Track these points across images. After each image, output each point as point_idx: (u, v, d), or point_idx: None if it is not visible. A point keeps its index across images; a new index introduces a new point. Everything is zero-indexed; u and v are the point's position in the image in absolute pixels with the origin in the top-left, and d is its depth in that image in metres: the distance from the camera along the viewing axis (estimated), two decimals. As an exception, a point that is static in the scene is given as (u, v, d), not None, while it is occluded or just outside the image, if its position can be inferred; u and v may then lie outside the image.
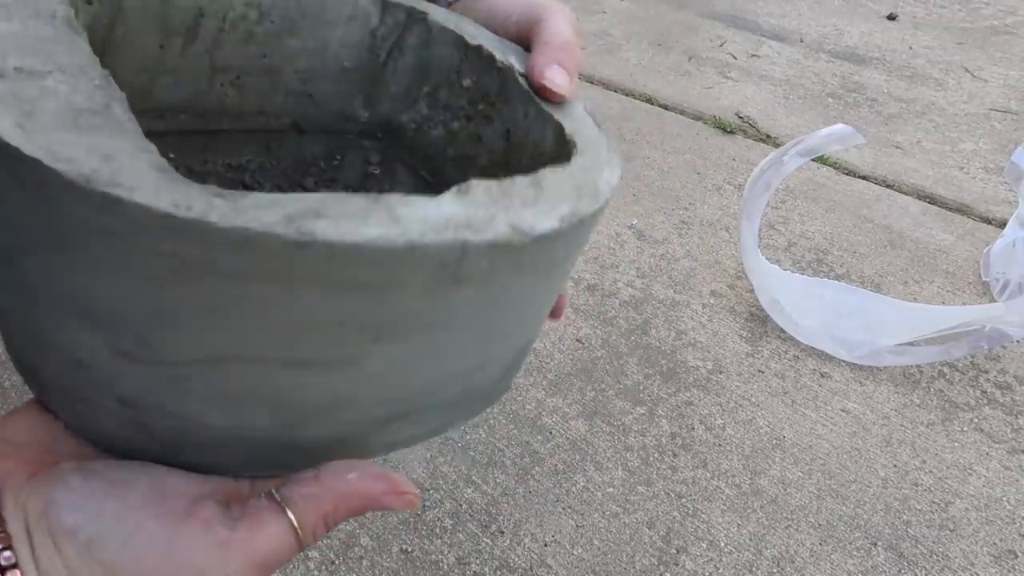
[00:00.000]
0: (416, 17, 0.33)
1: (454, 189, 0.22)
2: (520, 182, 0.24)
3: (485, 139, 0.35)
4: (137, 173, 0.18)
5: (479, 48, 0.32)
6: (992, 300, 0.90)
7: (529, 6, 0.33)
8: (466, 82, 0.34)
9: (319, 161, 0.37)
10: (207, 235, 0.18)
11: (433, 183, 0.36)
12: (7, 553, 0.19)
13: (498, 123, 0.34)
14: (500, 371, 0.29)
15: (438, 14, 0.34)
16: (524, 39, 0.33)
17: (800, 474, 0.67)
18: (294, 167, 0.36)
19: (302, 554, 0.57)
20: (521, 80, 0.31)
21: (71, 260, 0.19)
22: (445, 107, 0.35)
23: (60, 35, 0.23)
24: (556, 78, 0.30)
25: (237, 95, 0.33)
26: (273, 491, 0.23)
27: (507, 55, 0.32)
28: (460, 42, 0.33)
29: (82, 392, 0.22)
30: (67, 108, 0.20)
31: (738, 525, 0.62)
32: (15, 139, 0.18)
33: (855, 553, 0.61)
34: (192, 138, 0.33)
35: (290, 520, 0.22)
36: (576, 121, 0.31)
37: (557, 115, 0.31)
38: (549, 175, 0.25)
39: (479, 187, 0.23)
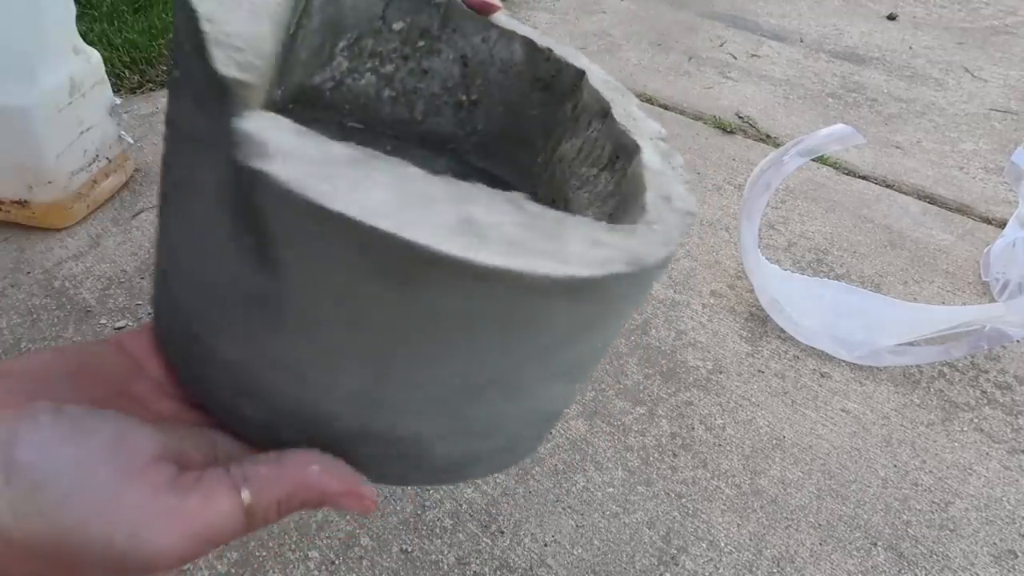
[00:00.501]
0: None
1: (643, 223, 0.25)
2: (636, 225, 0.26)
3: (433, 70, 0.35)
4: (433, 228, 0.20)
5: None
6: (992, 300, 0.90)
7: None
8: (396, 25, 0.34)
9: None
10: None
11: (363, 130, 0.36)
12: None
13: (448, 52, 0.34)
14: (561, 401, 0.29)
15: None
16: None
17: (800, 474, 0.67)
18: None
19: (302, 554, 0.57)
20: (463, 6, 0.32)
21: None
22: (372, 55, 0.35)
23: None
24: None
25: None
26: (233, 467, 0.22)
27: None
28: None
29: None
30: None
31: (738, 525, 0.62)
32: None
33: (855, 553, 0.61)
34: None
35: (242, 500, 0.22)
36: (535, 31, 0.32)
37: (518, 29, 0.32)
38: (655, 202, 0.27)
39: (652, 212, 0.26)
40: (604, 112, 0.33)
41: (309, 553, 0.57)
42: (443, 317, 0.21)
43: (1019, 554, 0.62)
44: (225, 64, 0.23)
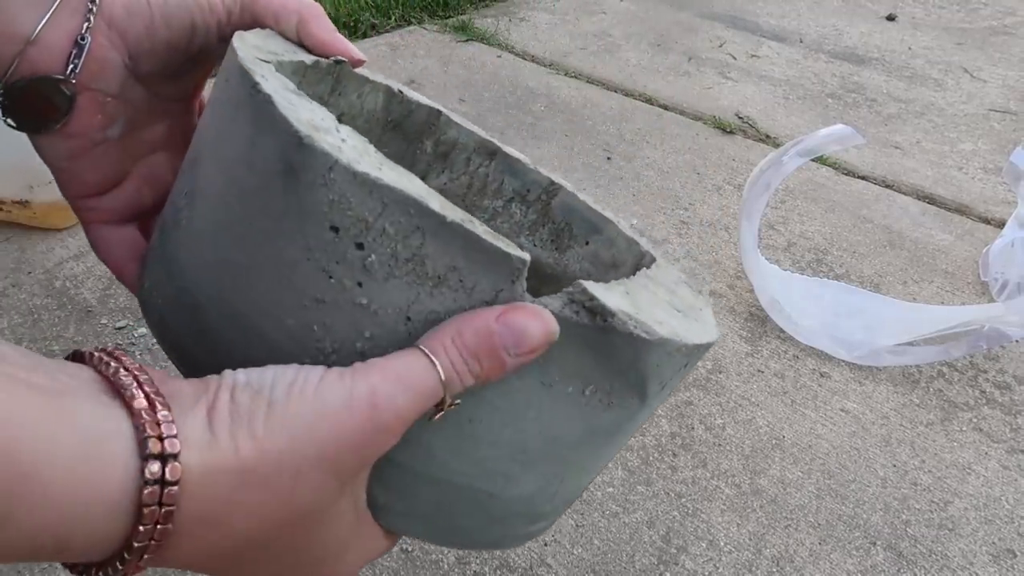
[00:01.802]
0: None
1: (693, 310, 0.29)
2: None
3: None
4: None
5: (316, 64, 0.32)
6: (991, 300, 0.90)
7: None
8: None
9: None
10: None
11: None
12: (172, 441, 0.19)
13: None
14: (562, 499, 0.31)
15: (266, 42, 0.32)
16: (241, 16, 0.31)
17: (800, 474, 0.67)
18: None
19: (303, 553, 0.57)
20: (350, 67, 0.34)
21: None
22: None
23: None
24: (353, 52, 0.33)
25: None
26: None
27: (292, 53, 0.31)
28: (296, 68, 0.31)
29: None
30: None
31: (738, 525, 0.62)
32: None
33: (855, 553, 0.61)
34: None
35: (419, 346, 0.23)
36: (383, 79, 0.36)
37: (379, 79, 0.35)
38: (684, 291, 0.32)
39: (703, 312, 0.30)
40: (489, 151, 0.37)
41: (310, 552, 0.57)
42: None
43: (1018, 553, 0.62)
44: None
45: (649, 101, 1.34)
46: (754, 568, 0.59)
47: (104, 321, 0.76)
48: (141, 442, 0.19)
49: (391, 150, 0.38)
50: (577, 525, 0.61)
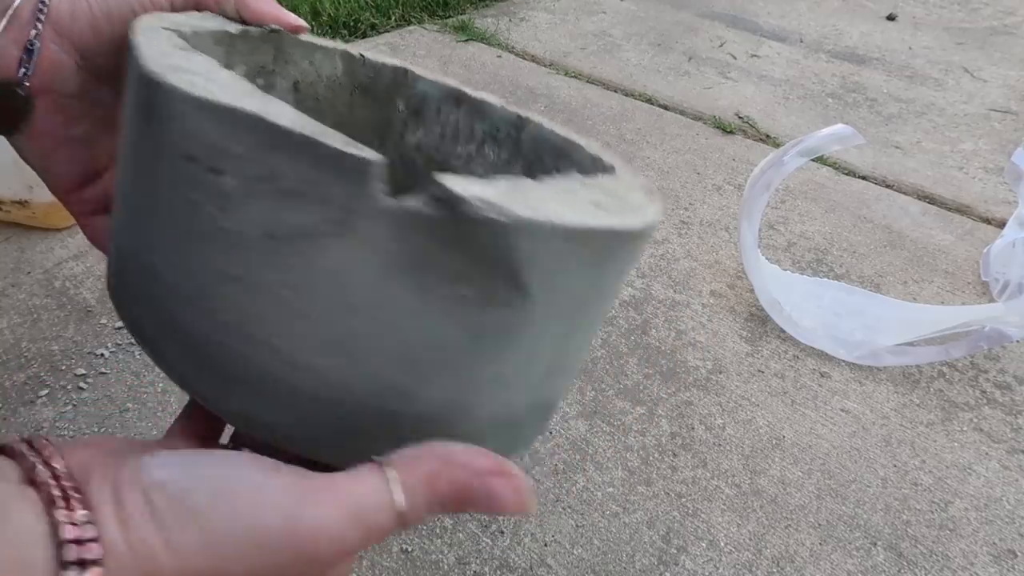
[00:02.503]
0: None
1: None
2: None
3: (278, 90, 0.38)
4: None
5: (244, 33, 0.34)
6: (992, 300, 0.90)
7: None
8: (239, 70, 0.36)
9: None
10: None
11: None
12: (93, 546, 0.18)
13: (282, 82, 0.36)
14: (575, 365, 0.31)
15: (184, 21, 0.33)
16: None
17: (800, 474, 0.67)
18: None
19: (302, 554, 0.57)
20: (290, 37, 0.35)
21: None
22: None
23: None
24: (288, 18, 0.34)
25: None
26: (373, 458, 0.22)
27: (226, 26, 0.33)
28: (221, 39, 0.33)
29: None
30: None
31: (738, 525, 0.62)
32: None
33: (855, 553, 0.61)
34: None
35: (387, 476, 0.21)
36: (343, 44, 0.36)
37: (333, 45, 0.36)
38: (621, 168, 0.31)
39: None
40: (456, 97, 0.36)
41: (309, 553, 0.57)
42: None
43: (1018, 554, 0.62)
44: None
45: (649, 101, 1.34)
46: (754, 568, 0.59)
47: (104, 321, 0.76)
48: (59, 547, 0.18)
49: (364, 114, 0.38)
50: (577, 525, 0.61)
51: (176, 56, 0.24)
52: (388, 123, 0.38)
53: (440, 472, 0.21)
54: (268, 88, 0.37)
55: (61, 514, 0.18)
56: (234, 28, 0.33)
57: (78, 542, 0.18)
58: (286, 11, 0.34)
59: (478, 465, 0.22)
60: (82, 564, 0.18)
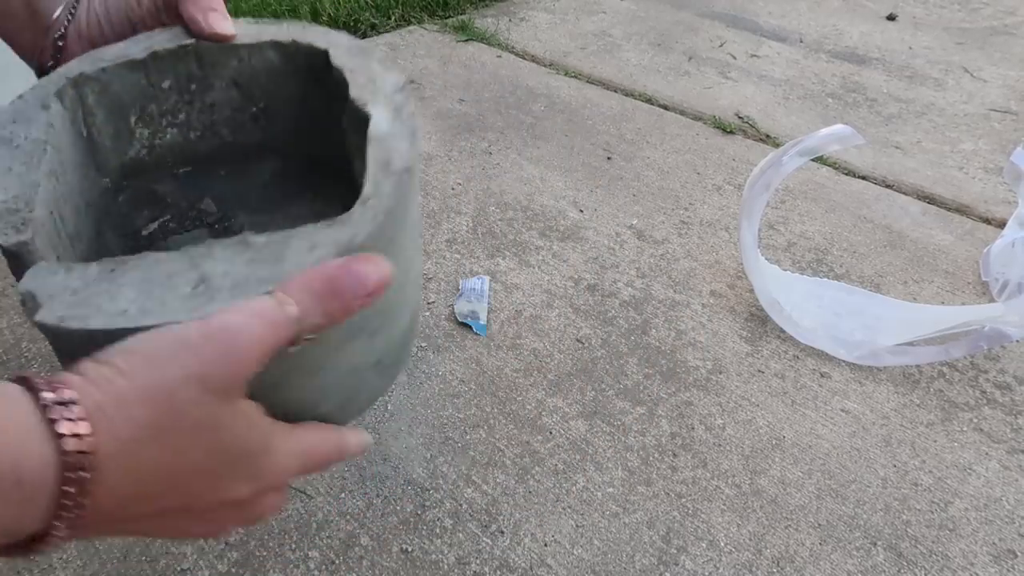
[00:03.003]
0: (83, 82, 0.38)
1: (358, 205, 0.31)
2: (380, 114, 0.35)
3: (216, 101, 0.42)
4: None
5: (153, 55, 0.39)
6: (992, 300, 0.90)
7: None
8: (165, 83, 0.41)
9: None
10: None
11: (192, 170, 0.44)
12: (68, 393, 0.23)
13: (219, 82, 0.41)
14: (410, 321, 0.38)
15: (96, 60, 0.39)
16: (166, 5, 0.40)
17: (800, 474, 0.67)
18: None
19: (302, 554, 0.57)
20: (210, 43, 0.39)
21: None
22: (161, 114, 0.42)
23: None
24: (219, 25, 0.39)
25: None
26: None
27: (180, 37, 0.39)
28: (132, 63, 0.39)
29: None
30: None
31: (738, 525, 0.62)
32: None
33: (855, 553, 0.61)
34: None
35: (274, 292, 0.27)
36: (280, 27, 0.40)
37: (263, 37, 0.39)
38: (372, 147, 0.34)
39: (368, 188, 0.32)
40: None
41: (309, 553, 0.57)
42: None
43: (1018, 554, 0.62)
44: (4, 233, 0.31)
45: (649, 101, 1.34)
46: (754, 568, 0.59)
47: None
48: (41, 405, 0.23)
49: (322, 104, 0.41)
50: (577, 525, 0.61)
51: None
52: (339, 112, 0.40)
53: (312, 275, 0.27)
54: (206, 91, 0.41)
55: (40, 382, 0.23)
56: (141, 54, 0.38)
57: (53, 389, 0.23)
58: (218, 21, 0.39)
59: (338, 262, 0.28)
60: (63, 404, 0.23)
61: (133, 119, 0.41)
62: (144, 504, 0.26)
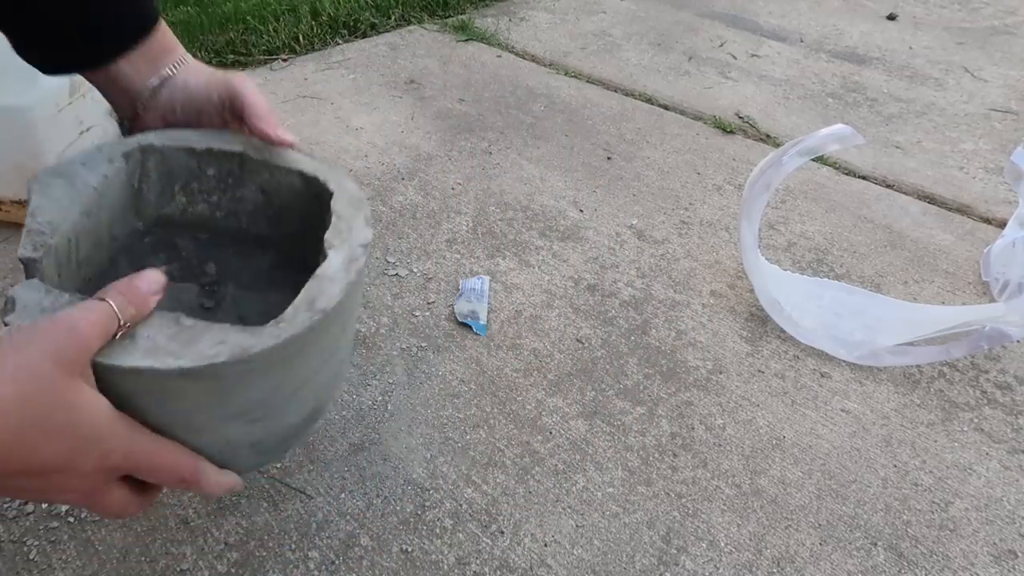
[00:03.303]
0: (149, 151, 0.50)
1: (327, 246, 0.44)
2: (337, 222, 0.46)
3: (244, 197, 0.52)
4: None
5: (208, 150, 0.50)
6: (992, 300, 0.90)
7: (223, 84, 0.50)
8: (210, 171, 0.51)
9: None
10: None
11: (209, 238, 0.54)
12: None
13: (251, 184, 0.52)
14: (351, 337, 0.49)
15: (166, 138, 0.50)
16: (231, 108, 0.50)
17: (800, 474, 0.67)
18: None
19: (302, 554, 0.57)
20: (254, 155, 0.50)
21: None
22: (199, 192, 0.52)
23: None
24: (287, 137, 0.49)
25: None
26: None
27: (233, 144, 0.50)
28: (191, 151, 0.50)
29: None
30: None
31: (738, 525, 0.62)
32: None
33: (855, 553, 0.61)
34: None
35: (98, 296, 0.36)
36: (312, 162, 0.50)
37: (294, 165, 0.50)
38: (337, 205, 0.47)
39: (330, 236, 0.44)
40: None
41: (309, 553, 0.57)
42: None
43: (1019, 554, 0.62)
44: (25, 247, 0.42)
45: (649, 101, 1.34)
46: (754, 568, 0.59)
47: None
48: None
49: (322, 217, 0.49)
50: (577, 525, 0.61)
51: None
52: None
53: (119, 286, 0.37)
54: (239, 187, 0.52)
55: None
56: (200, 145, 0.50)
57: None
58: (278, 133, 0.49)
59: (133, 277, 0.38)
60: None
61: (177, 187, 0.52)
62: (10, 465, 0.32)
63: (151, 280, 0.38)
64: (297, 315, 0.40)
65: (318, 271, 0.43)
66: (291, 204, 0.51)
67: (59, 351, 0.33)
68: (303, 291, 0.41)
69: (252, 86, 0.49)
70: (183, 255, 0.55)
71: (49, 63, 0.50)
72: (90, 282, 0.48)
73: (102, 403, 0.36)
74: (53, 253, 0.43)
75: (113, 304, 0.36)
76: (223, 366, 0.37)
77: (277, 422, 0.46)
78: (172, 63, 0.50)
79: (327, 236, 0.45)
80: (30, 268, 0.41)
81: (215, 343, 0.37)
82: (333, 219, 0.46)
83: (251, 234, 0.54)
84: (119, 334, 0.36)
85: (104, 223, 0.48)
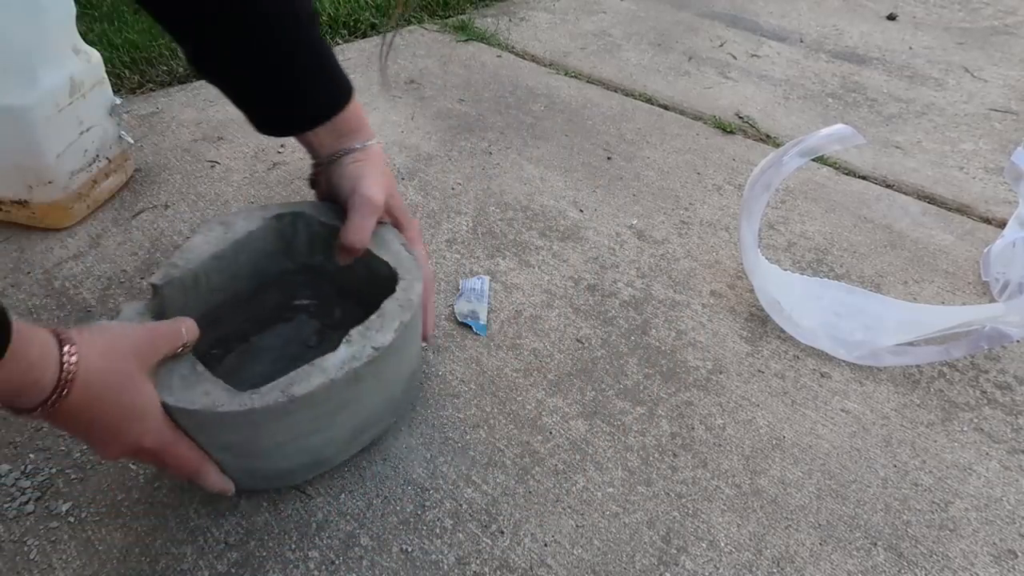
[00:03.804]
0: (299, 217, 0.64)
1: (344, 340, 0.54)
2: (372, 320, 0.55)
3: (356, 267, 0.63)
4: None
5: (336, 227, 0.62)
6: (992, 300, 0.90)
7: (353, 178, 0.61)
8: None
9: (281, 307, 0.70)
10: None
11: (341, 287, 0.68)
12: (68, 348, 0.43)
13: (360, 261, 0.62)
14: (402, 392, 0.64)
15: (315, 209, 0.64)
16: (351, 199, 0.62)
17: (800, 474, 0.67)
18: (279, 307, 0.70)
19: (302, 554, 0.57)
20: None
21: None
22: (330, 252, 0.64)
23: None
24: (355, 245, 0.60)
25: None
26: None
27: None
28: (325, 224, 0.64)
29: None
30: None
31: (738, 525, 0.62)
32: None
33: (855, 553, 0.61)
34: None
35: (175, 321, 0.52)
36: (395, 255, 0.62)
37: (384, 255, 0.61)
38: (388, 305, 0.57)
39: (354, 332, 0.54)
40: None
41: (309, 553, 0.57)
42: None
43: (1019, 554, 0.62)
44: (156, 275, 0.57)
45: (649, 101, 1.34)
46: (754, 568, 0.59)
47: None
48: (60, 348, 0.42)
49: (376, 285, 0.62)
50: (577, 525, 0.61)
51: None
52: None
53: (191, 321, 0.53)
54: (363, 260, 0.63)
55: (60, 333, 0.43)
56: (333, 223, 0.63)
57: (65, 338, 0.43)
58: (350, 242, 0.61)
59: (176, 319, 0.52)
60: (68, 345, 0.42)
61: (317, 246, 0.66)
62: (87, 414, 0.44)
63: (194, 327, 0.52)
64: (270, 393, 0.50)
65: (317, 360, 0.52)
66: (385, 284, 0.60)
67: (139, 348, 0.47)
68: (292, 373, 0.51)
69: (373, 176, 0.61)
70: (320, 296, 0.69)
71: (265, 131, 0.62)
72: (223, 304, 0.63)
73: (155, 397, 0.48)
74: (178, 282, 0.57)
75: (183, 329, 0.51)
76: (196, 412, 0.48)
77: (264, 463, 0.56)
78: (350, 144, 0.61)
79: (352, 331, 0.54)
80: (156, 290, 0.56)
81: (202, 394, 0.49)
82: (373, 316, 0.56)
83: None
84: (181, 350, 0.51)
85: (244, 261, 0.63)
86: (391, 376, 0.58)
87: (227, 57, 0.57)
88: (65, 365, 0.42)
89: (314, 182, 0.66)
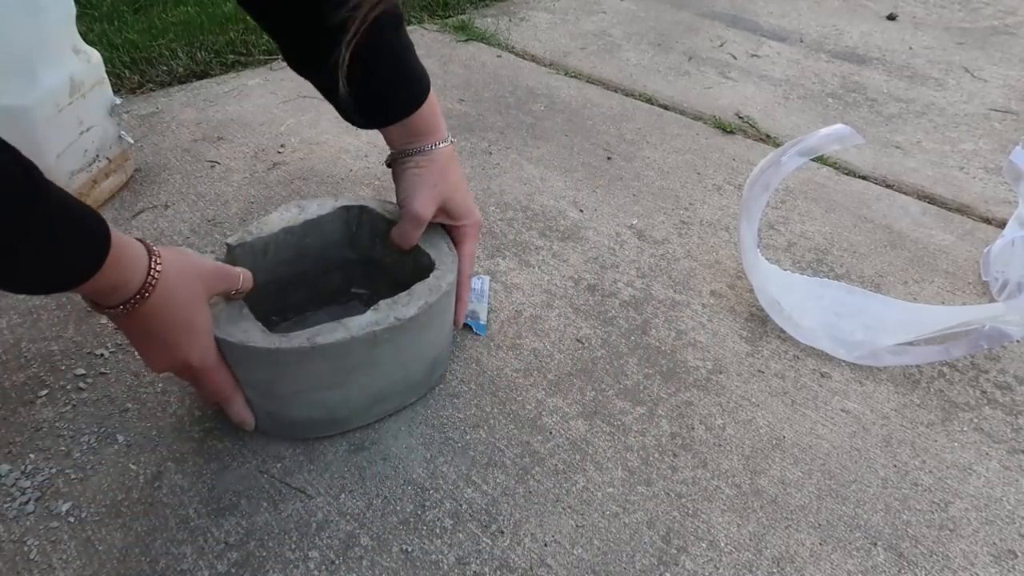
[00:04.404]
0: (365, 210, 0.72)
1: (372, 308, 0.60)
2: (401, 295, 0.62)
3: (406, 262, 0.70)
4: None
5: (393, 223, 0.69)
6: (992, 300, 0.90)
7: (407, 189, 0.67)
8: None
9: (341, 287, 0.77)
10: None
11: (396, 280, 0.71)
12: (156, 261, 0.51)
13: (408, 256, 0.70)
14: (422, 374, 0.68)
15: (378, 205, 0.72)
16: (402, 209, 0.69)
17: (800, 474, 0.67)
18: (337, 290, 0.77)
19: (302, 554, 0.57)
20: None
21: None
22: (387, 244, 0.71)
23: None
24: (401, 247, 0.69)
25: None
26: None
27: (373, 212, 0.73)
28: (387, 220, 0.71)
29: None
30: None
31: (738, 525, 0.62)
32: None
33: (855, 553, 0.61)
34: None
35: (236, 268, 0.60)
36: (438, 250, 0.68)
37: (428, 250, 0.68)
38: (418, 286, 0.63)
39: (383, 303, 0.61)
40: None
41: (309, 553, 0.57)
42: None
43: (1019, 554, 0.62)
44: (232, 237, 0.66)
45: (649, 101, 1.34)
46: (754, 568, 0.59)
47: (103, 321, 0.76)
48: (150, 257, 0.51)
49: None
50: (577, 525, 0.61)
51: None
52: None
53: (248, 272, 0.61)
54: (405, 254, 0.70)
55: (151, 246, 0.51)
56: (393, 218, 0.70)
57: (153, 251, 0.51)
58: (401, 241, 0.69)
59: (239, 270, 0.60)
60: (155, 258, 0.51)
61: (378, 241, 0.72)
62: (156, 320, 0.51)
63: (250, 277, 0.60)
64: (296, 338, 0.56)
65: (344, 319, 0.58)
66: (428, 275, 0.66)
67: (206, 277, 0.55)
68: (319, 326, 0.57)
69: (415, 218, 0.66)
70: (375, 287, 0.75)
71: (356, 123, 0.67)
72: (291, 279, 0.71)
73: (211, 320, 0.56)
74: (249, 247, 0.65)
75: (241, 276, 0.58)
76: (233, 345, 0.56)
77: (284, 408, 0.62)
78: (418, 145, 0.66)
79: (380, 302, 0.61)
80: (230, 249, 0.65)
81: (241, 331, 0.57)
82: (403, 293, 0.62)
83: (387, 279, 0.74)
84: (235, 294, 0.59)
85: (312, 243, 0.70)
86: (411, 351, 0.63)
87: (318, 56, 0.61)
88: (151, 271, 0.49)
89: (389, 164, 0.71)
